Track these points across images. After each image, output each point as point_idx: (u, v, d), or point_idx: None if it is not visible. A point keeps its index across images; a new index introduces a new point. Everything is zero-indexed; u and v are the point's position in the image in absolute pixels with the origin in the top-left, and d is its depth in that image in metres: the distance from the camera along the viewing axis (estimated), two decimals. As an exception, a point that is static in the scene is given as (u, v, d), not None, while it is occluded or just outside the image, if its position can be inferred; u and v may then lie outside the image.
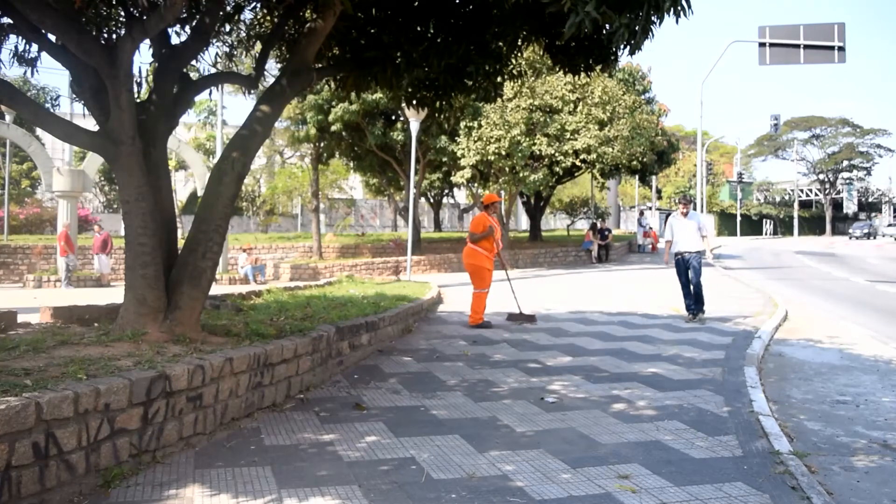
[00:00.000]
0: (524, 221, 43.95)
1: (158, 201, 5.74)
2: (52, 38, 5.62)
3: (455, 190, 37.98)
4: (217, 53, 7.83)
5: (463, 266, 10.62)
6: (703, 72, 56.45)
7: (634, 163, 23.38)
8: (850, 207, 71.30)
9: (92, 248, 19.71)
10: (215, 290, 9.16)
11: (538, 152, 20.88)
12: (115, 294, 8.71)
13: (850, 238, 51.18)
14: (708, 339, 8.96)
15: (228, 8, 6.68)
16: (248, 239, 25.52)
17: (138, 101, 5.86)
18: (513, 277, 11.40)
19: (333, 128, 20.19)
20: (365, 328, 7.58)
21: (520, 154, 20.39)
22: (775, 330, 9.91)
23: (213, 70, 7.81)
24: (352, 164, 26.38)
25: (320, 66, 7.01)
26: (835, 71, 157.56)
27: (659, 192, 50.01)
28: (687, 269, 10.25)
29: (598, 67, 6.57)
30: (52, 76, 72.06)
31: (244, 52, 7.74)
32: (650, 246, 31.33)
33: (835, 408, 6.02)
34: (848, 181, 70.67)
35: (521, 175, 20.91)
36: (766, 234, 62.61)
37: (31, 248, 21.09)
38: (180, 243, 6.05)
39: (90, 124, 6.14)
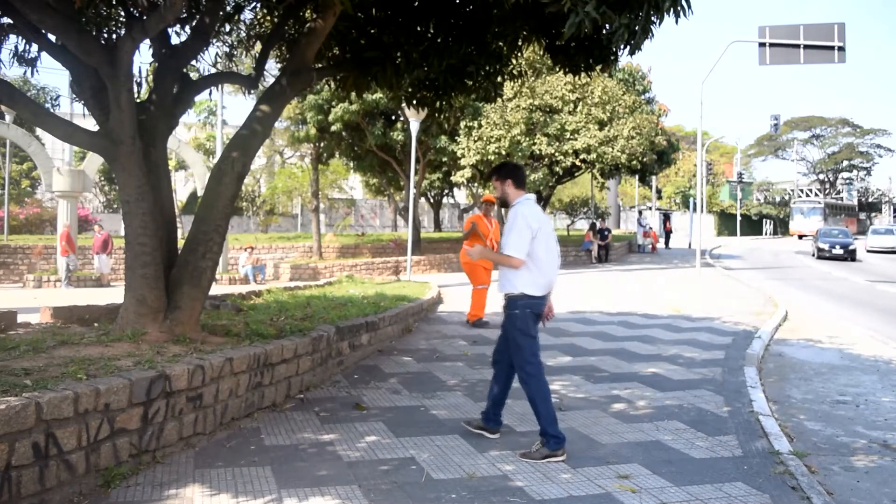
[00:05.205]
0: (524, 221, 43.81)
1: (158, 201, 5.74)
2: (52, 38, 5.62)
3: (455, 190, 37.94)
4: (217, 53, 7.85)
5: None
6: (703, 72, 56.42)
7: (634, 163, 23.39)
8: (849, 208, 71.34)
9: (92, 248, 19.71)
10: (215, 290, 9.17)
11: (538, 152, 20.89)
12: (115, 294, 8.71)
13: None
14: (708, 339, 8.97)
15: (228, 8, 6.68)
16: (248, 239, 25.49)
17: (138, 101, 5.85)
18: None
19: (333, 128, 20.18)
20: (365, 328, 7.58)
21: (520, 154, 20.40)
22: (775, 330, 9.92)
23: (213, 70, 7.81)
24: (352, 164, 26.36)
25: (320, 66, 7.00)
26: (835, 71, 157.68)
27: (659, 192, 49.98)
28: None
29: (598, 67, 6.56)
30: (52, 76, 72.01)
31: (244, 52, 7.75)
32: (650, 246, 31.36)
33: (835, 408, 6.02)
34: (848, 181, 70.72)
35: (521, 175, 20.89)
36: (766, 234, 62.61)
37: (31, 248, 21.07)
38: (180, 243, 6.04)
39: (90, 124, 6.14)
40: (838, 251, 28.21)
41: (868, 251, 33.05)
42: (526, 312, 4.64)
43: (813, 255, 29.70)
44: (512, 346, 4.69)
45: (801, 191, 70.21)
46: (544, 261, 4.68)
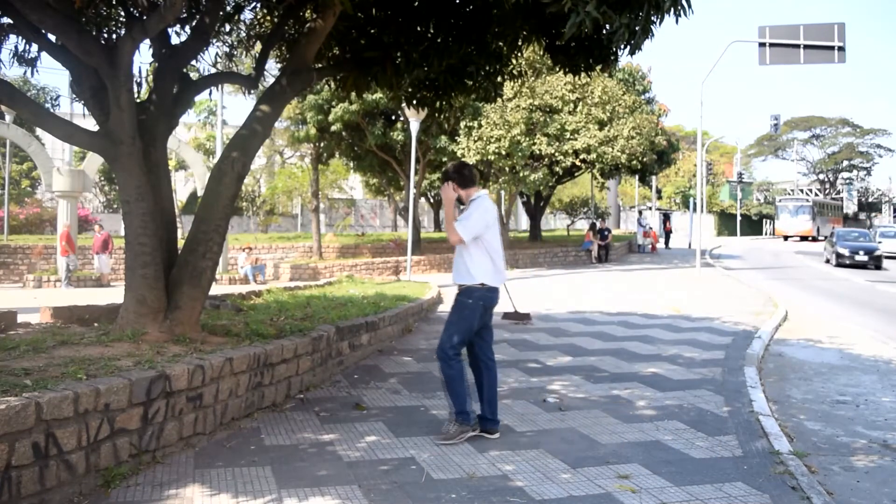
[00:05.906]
0: (524, 221, 43.95)
1: (158, 201, 5.74)
2: (52, 38, 5.62)
3: (455, 190, 37.88)
4: (217, 53, 7.85)
5: None
6: (703, 72, 56.41)
7: (634, 163, 23.38)
8: (849, 207, 71.33)
9: (92, 248, 19.71)
10: (215, 290, 9.16)
11: (538, 152, 20.88)
12: (115, 294, 8.71)
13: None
14: (708, 338, 8.97)
15: (228, 8, 6.68)
16: (248, 239, 25.50)
17: (138, 101, 5.85)
18: (513, 277, 11.41)
19: (333, 128, 20.18)
20: (365, 328, 7.58)
21: (520, 154, 20.39)
22: (775, 330, 9.92)
23: (213, 70, 7.81)
24: (352, 164, 26.36)
25: (320, 66, 7.00)
26: (835, 71, 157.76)
27: (659, 192, 49.94)
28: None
29: (598, 67, 6.56)
30: (52, 76, 71.98)
31: (244, 52, 7.74)
32: (650, 246, 31.37)
33: (835, 408, 6.02)
34: (848, 181, 70.73)
35: (521, 175, 20.91)
36: (766, 234, 62.60)
37: (31, 248, 21.08)
38: (180, 243, 6.05)
39: (90, 124, 6.14)
40: (862, 257, 23.25)
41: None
42: (479, 304, 4.83)
43: (828, 261, 24.99)
44: (449, 328, 4.82)
45: (801, 190, 70.21)
46: (499, 254, 4.92)
